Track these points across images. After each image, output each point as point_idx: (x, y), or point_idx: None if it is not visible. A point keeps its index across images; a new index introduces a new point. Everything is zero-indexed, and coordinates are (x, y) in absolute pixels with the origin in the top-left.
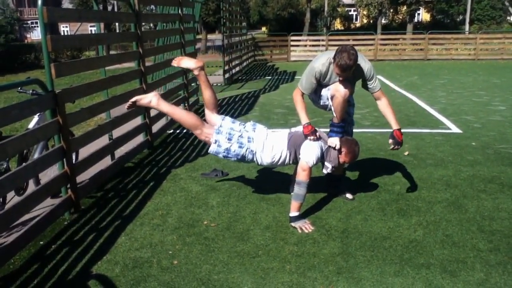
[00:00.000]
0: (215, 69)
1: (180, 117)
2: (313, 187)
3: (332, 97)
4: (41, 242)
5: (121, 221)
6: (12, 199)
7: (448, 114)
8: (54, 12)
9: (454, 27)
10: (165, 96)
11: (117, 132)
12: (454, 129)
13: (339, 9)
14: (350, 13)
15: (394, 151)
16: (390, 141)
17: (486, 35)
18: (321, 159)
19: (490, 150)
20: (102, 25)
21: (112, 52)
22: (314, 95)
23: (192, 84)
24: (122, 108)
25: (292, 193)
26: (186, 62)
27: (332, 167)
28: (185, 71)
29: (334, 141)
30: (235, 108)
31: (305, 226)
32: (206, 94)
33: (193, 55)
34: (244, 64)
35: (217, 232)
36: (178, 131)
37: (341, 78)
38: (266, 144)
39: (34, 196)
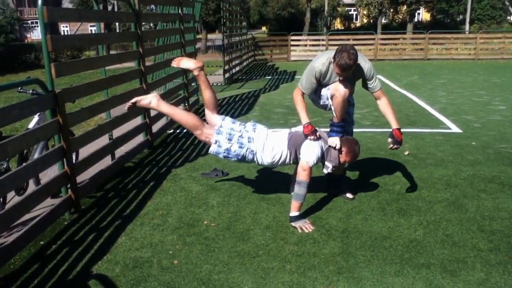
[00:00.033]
0: (215, 68)
1: (180, 118)
2: (313, 186)
3: (332, 97)
4: (42, 242)
5: (121, 221)
6: (12, 199)
7: (448, 114)
8: (54, 11)
9: (454, 27)
10: (165, 96)
11: (117, 132)
12: (454, 128)
13: (339, 9)
14: (350, 12)
15: (394, 150)
16: (390, 140)
17: (486, 35)
18: (322, 159)
19: (490, 150)
20: (102, 25)
21: (112, 52)
22: (314, 95)
23: (192, 84)
24: (122, 108)
25: (292, 193)
26: (185, 63)
27: (333, 166)
28: (185, 71)
29: (335, 141)
30: (235, 107)
31: (305, 226)
32: (206, 95)
33: (193, 54)
34: (244, 63)
35: (217, 232)
36: (178, 131)
37: (341, 78)
38: (267, 144)
39: (34, 196)
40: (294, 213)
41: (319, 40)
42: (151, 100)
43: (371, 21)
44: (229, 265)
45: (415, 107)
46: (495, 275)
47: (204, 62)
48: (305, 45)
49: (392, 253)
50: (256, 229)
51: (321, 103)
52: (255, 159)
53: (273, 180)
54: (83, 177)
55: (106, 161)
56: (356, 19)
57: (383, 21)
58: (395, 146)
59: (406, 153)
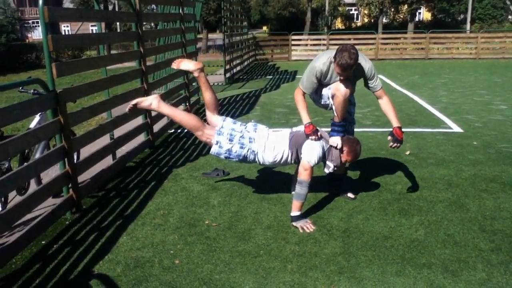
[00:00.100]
0: (216, 68)
1: (181, 119)
2: (314, 186)
3: (333, 96)
4: (43, 242)
5: (122, 221)
6: (14, 198)
7: (449, 113)
8: (55, 11)
9: (455, 26)
10: (166, 96)
11: (118, 132)
12: (456, 128)
13: (340, 8)
14: (351, 12)
15: (395, 150)
16: (390, 138)
17: (487, 34)
18: (323, 159)
19: (492, 150)
20: (103, 24)
21: (113, 52)
22: (315, 94)
23: (193, 84)
24: (123, 108)
25: (293, 193)
26: (185, 64)
27: (334, 166)
28: (186, 71)
29: (336, 140)
30: (236, 107)
31: (307, 225)
32: (207, 96)
33: (194, 54)
34: (245, 63)
35: (219, 231)
36: (179, 131)
37: (341, 78)
38: (268, 144)
39: (36, 195)
40: (295, 212)
41: (320, 39)
42: (152, 101)
43: (372, 20)
44: (230, 265)
45: (416, 106)
46: (496, 275)
47: (205, 61)
48: (306, 45)
49: (394, 253)
50: (257, 229)
51: (322, 103)
52: (256, 159)
53: (274, 179)
54: (84, 177)
55: (107, 161)
56: (357, 18)
57: (384, 20)
58: (396, 144)
59: (407, 152)
